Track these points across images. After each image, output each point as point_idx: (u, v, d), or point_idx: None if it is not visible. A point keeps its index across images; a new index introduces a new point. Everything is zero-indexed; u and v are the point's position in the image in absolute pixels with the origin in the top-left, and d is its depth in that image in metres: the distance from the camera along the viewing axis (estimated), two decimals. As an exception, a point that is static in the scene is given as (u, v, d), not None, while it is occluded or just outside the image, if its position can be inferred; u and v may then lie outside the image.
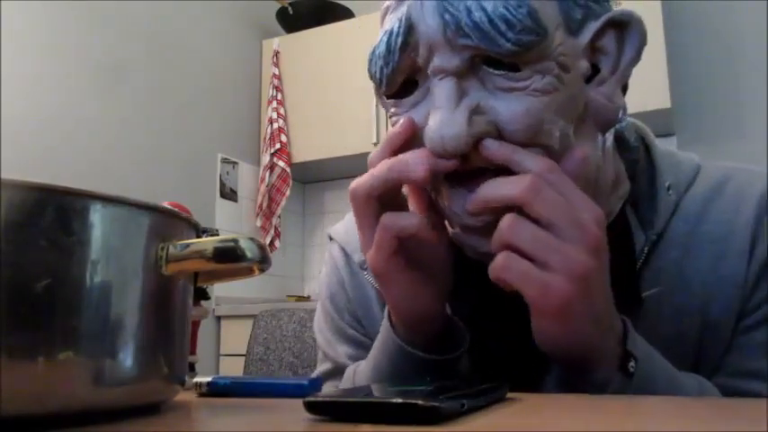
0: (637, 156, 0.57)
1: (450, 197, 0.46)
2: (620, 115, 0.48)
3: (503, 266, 0.41)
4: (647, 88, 2.04)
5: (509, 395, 0.38)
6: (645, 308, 0.52)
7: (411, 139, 0.46)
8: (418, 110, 0.47)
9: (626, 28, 0.47)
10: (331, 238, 0.70)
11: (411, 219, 0.45)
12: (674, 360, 0.48)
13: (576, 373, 0.46)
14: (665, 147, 0.59)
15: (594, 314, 0.43)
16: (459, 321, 0.52)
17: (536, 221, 0.41)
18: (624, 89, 0.50)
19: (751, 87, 2.25)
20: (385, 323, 0.52)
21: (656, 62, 2.07)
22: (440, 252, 0.48)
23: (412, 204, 0.48)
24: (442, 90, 0.44)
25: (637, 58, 0.47)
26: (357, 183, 0.46)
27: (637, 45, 0.47)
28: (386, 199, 0.46)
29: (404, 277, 0.47)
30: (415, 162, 0.44)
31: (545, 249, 0.40)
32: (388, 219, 0.45)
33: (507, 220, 0.42)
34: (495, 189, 0.42)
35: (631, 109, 2.13)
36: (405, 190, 0.50)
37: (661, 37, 2.08)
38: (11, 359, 0.26)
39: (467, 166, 0.44)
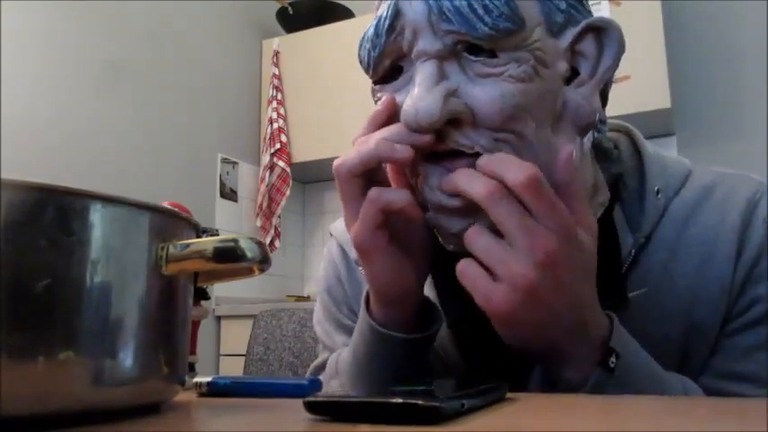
0: (618, 167, 0.58)
1: (428, 174, 0.47)
2: (596, 118, 0.49)
3: (459, 270, 0.44)
4: (647, 88, 2.04)
5: (509, 395, 0.38)
6: (631, 309, 0.52)
7: (392, 118, 0.48)
8: (400, 94, 0.48)
9: (605, 34, 0.49)
10: (331, 235, 0.72)
11: (398, 194, 0.46)
12: (659, 360, 0.49)
13: (551, 372, 0.47)
14: (655, 151, 0.59)
15: (546, 323, 0.44)
16: (434, 302, 0.54)
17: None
18: (604, 100, 0.51)
19: (751, 87, 2.25)
20: (362, 306, 0.53)
21: (656, 62, 2.06)
22: (420, 230, 0.49)
23: (393, 182, 0.50)
24: (422, 71, 0.45)
25: (615, 64, 0.49)
26: (341, 160, 0.47)
27: (614, 52, 0.49)
28: (369, 175, 0.47)
29: (386, 252, 0.48)
30: (401, 144, 0.45)
31: (493, 260, 0.42)
32: (375, 192, 0.46)
33: (470, 231, 0.44)
34: (468, 182, 0.43)
35: (631, 109, 2.13)
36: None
37: (661, 37, 2.08)
38: (11, 359, 0.26)
39: (443, 147, 0.46)
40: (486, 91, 0.45)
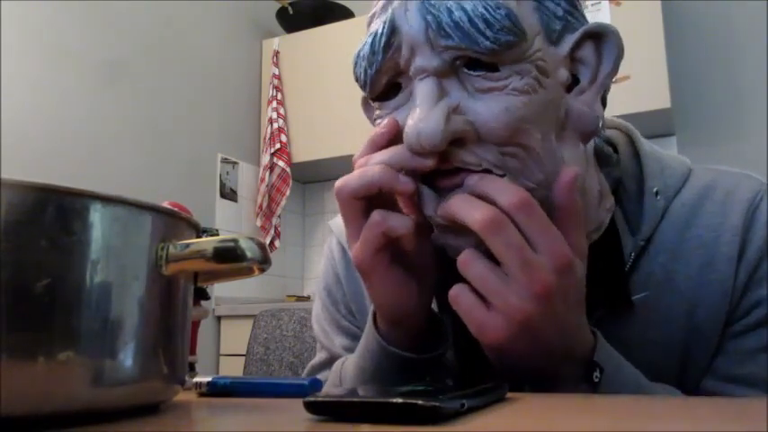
0: (618, 171, 0.58)
1: (422, 199, 0.46)
2: (600, 124, 0.48)
3: (452, 297, 0.44)
4: (647, 88, 2.04)
5: (509, 395, 0.38)
6: (633, 312, 0.52)
7: (394, 140, 0.47)
8: (401, 112, 0.47)
9: (603, 40, 0.48)
10: (331, 231, 0.71)
11: (400, 220, 0.45)
12: (660, 363, 0.49)
13: (538, 390, 0.47)
14: (654, 150, 0.59)
15: (536, 352, 0.44)
16: (444, 319, 0.53)
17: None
18: (603, 104, 0.51)
19: (751, 87, 2.25)
20: (369, 321, 0.53)
21: (656, 62, 2.06)
22: (424, 250, 0.49)
23: (400, 202, 0.49)
24: (422, 89, 0.44)
25: (614, 70, 0.49)
26: (343, 182, 0.47)
27: (614, 57, 0.48)
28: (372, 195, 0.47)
29: (388, 273, 0.47)
30: (404, 166, 0.44)
31: (489, 290, 0.42)
32: (378, 216, 0.45)
33: (464, 255, 0.43)
34: (463, 210, 0.43)
35: (631, 109, 2.13)
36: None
37: (661, 37, 2.08)
38: (11, 359, 0.26)
39: (446, 165, 0.45)
40: (490, 106, 0.44)
